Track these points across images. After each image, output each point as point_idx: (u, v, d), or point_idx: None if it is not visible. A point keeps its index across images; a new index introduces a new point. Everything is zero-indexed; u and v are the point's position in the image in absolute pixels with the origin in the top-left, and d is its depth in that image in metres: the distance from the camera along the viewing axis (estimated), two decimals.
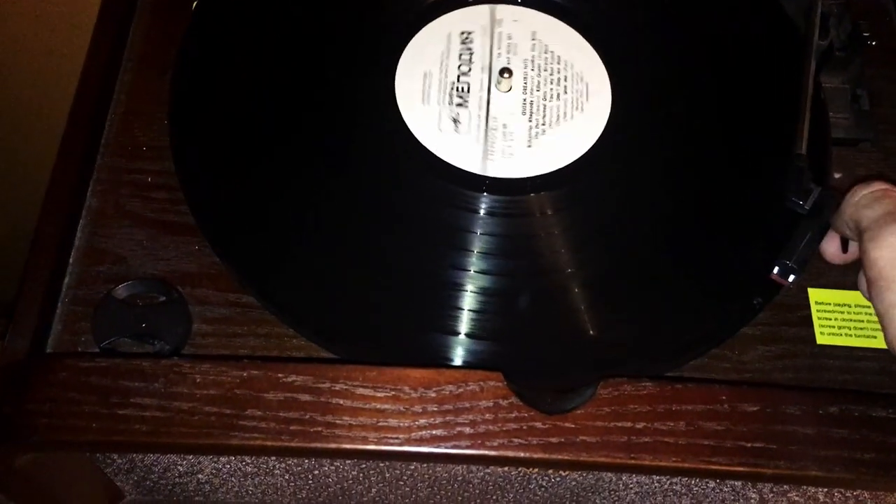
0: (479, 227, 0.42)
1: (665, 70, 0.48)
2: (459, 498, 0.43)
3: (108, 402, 0.34)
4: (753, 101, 0.47)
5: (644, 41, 0.49)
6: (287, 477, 0.42)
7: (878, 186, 0.38)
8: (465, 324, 0.39)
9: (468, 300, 0.40)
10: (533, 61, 0.47)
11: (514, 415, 0.34)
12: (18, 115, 0.78)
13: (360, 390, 0.34)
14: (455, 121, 0.41)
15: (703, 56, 0.48)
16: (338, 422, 0.33)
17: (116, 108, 0.46)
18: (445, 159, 0.43)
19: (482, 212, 0.42)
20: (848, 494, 0.40)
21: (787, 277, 0.40)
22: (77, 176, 0.43)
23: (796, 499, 0.40)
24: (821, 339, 0.42)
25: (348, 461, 0.39)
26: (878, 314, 0.36)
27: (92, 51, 0.46)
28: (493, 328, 0.39)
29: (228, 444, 0.33)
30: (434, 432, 0.33)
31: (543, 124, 0.45)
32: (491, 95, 0.45)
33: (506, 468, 0.39)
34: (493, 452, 0.33)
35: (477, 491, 0.42)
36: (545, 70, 0.46)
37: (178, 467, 0.41)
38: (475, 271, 0.40)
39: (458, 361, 0.39)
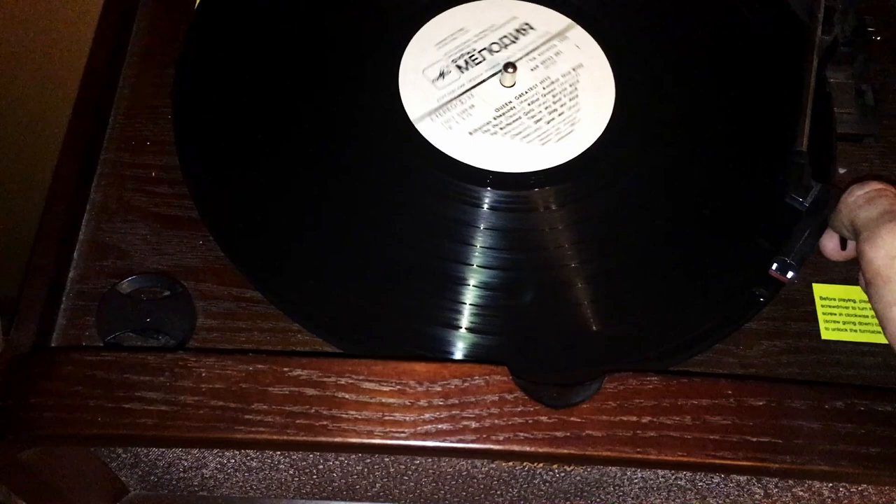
0: (482, 222, 0.42)
1: (668, 65, 0.48)
2: (464, 493, 0.43)
3: (114, 395, 0.33)
4: (757, 97, 0.47)
5: (647, 35, 0.49)
6: (292, 472, 0.42)
7: (874, 186, 0.38)
8: (469, 318, 0.39)
9: (473, 295, 0.40)
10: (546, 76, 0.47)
11: (519, 409, 0.34)
12: (23, 111, 0.78)
13: (366, 384, 0.34)
14: (442, 74, 0.41)
15: (707, 51, 0.48)
16: (343, 416, 0.33)
17: (120, 103, 0.46)
18: (452, 155, 0.43)
19: (486, 206, 0.42)
20: (853, 489, 0.40)
21: (786, 274, 0.40)
22: (81, 170, 0.43)
23: (801, 494, 0.40)
24: (825, 335, 0.42)
25: (353, 456, 0.39)
26: (876, 313, 0.36)
27: (96, 45, 0.46)
28: (497, 323, 0.39)
29: (234, 438, 0.33)
30: (440, 426, 0.33)
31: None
32: (488, 81, 0.45)
33: (510, 463, 0.39)
34: (498, 446, 0.33)
35: (481, 486, 0.42)
36: (551, 90, 0.46)
37: (183, 462, 0.41)
38: (479, 266, 0.40)
39: (463, 356, 0.39)
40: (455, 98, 0.44)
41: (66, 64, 0.73)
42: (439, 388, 0.34)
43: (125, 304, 0.40)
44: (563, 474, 0.40)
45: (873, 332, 0.42)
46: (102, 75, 0.46)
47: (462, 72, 0.44)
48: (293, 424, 0.33)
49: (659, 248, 0.42)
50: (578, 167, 0.44)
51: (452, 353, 0.39)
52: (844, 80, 0.47)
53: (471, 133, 0.43)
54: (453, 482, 0.42)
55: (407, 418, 0.33)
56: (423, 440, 0.33)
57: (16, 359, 0.36)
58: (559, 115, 0.43)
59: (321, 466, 0.41)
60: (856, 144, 0.47)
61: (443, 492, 0.43)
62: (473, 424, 0.33)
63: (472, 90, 0.45)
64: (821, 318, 0.42)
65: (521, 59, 0.46)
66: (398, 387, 0.34)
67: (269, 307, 0.40)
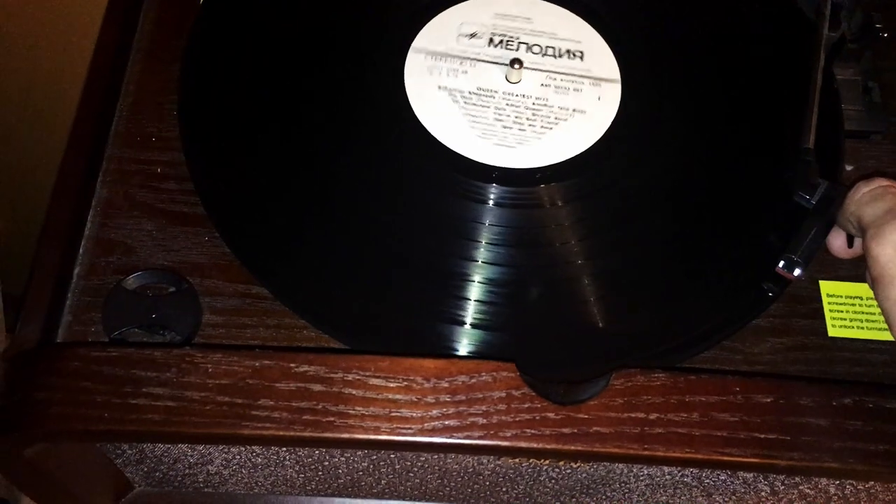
0: (488, 218, 0.42)
1: (675, 61, 0.47)
2: (469, 490, 0.43)
3: (120, 391, 0.33)
4: (764, 93, 0.47)
5: (654, 31, 0.48)
6: (297, 468, 0.41)
7: (880, 183, 0.38)
8: (477, 315, 0.39)
9: (480, 291, 0.40)
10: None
11: (526, 405, 0.34)
12: (28, 107, 0.78)
13: (373, 380, 0.34)
14: (474, 34, 0.41)
15: (714, 48, 0.48)
16: (350, 412, 0.33)
17: (125, 99, 0.46)
18: (458, 151, 0.43)
19: (492, 202, 0.42)
20: (860, 487, 0.40)
21: (793, 272, 0.39)
22: (87, 166, 0.43)
23: (807, 491, 0.40)
24: (832, 332, 0.41)
25: (359, 452, 0.39)
26: (882, 310, 0.36)
27: (101, 41, 0.46)
28: (504, 319, 0.39)
29: (240, 434, 0.33)
30: (447, 422, 0.33)
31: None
32: (496, 66, 0.46)
33: (517, 460, 0.39)
34: (506, 443, 0.33)
35: (487, 483, 0.42)
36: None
37: (188, 458, 0.40)
38: (486, 262, 0.40)
39: (470, 352, 0.38)
40: (461, 57, 0.43)
41: (72, 60, 0.73)
42: (446, 385, 0.34)
43: (131, 300, 0.40)
44: (569, 471, 0.40)
45: (880, 329, 0.41)
46: (108, 71, 0.46)
47: (489, 46, 0.44)
48: (300, 420, 0.33)
49: (665, 244, 0.42)
50: (584, 163, 0.44)
51: (459, 350, 0.39)
52: (851, 77, 0.47)
53: (439, 87, 0.44)
54: (459, 479, 0.42)
55: (414, 414, 0.33)
56: (430, 436, 0.33)
57: (22, 354, 0.36)
58: (520, 128, 0.43)
59: (326, 463, 0.41)
60: (863, 141, 0.47)
61: (448, 488, 0.43)
62: (481, 421, 0.33)
63: (478, 62, 0.44)
64: (828, 315, 0.42)
65: (542, 70, 0.46)
66: (405, 383, 0.34)
67: (275, 303, 0.40)
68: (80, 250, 0.42)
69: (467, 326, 0.39)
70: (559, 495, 0.43)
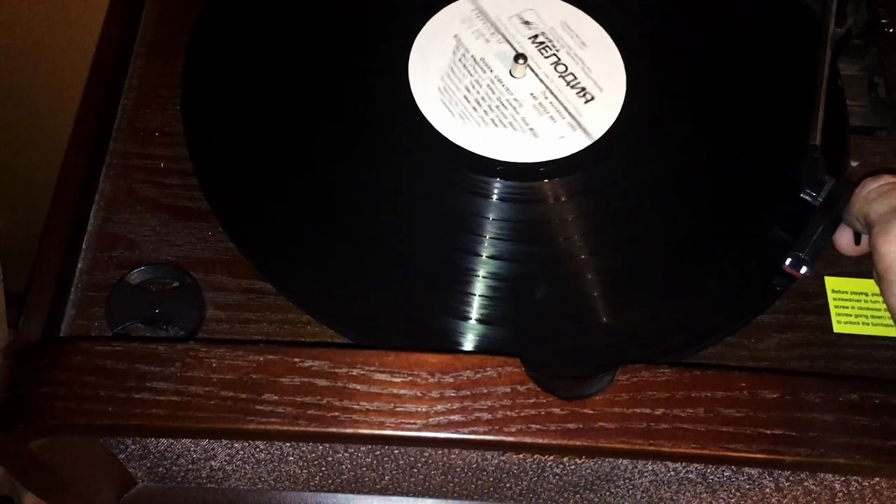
0: (493, 213, 0.41)
1: (680, 57, 0.47)
2: (473, 486, 0.43)
3: (124, 385, 0.33)
4: (770, 89, 0.47)
5: (658, 26, 0.48)
6: (301, 464, 0.41)
7: (887, 180, 0.38)
8: (481, 310, 0.39)
9: (484, 286, 0.40)
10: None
11: (531, 401, 0.34)
12: (30, 102, 0.78)
13: (377, 375, 0.34)
14: (528, 22, 0.41)
15: (719, 43, 0.48)
16: (355, 407, 0.33)
17: (128, 94, 0.46)
18: (463, 146, 0.43)
19: (496, 197, 0.42)
20: (865, 483, 0.40)
21: (800, 269, 0.39)
22: (90, 161, 0.43)
23: (812, 488, 0.40)
24: (837, 328, 0.41)
25: (362, 448, 0.39)
26: (888, 307, 0.36)
27: (104, 36, 0.46)
28: (508, 314, 0.39)
29: (244, 429, 0.33)
30: (451, 418, 0.33)
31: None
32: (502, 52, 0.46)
33: (521, 455, 0.39)
34: (510, 438, 0.33)
35: (491, 479, 0.42)
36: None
37: (192, 453, 0.40)
38: (490, 257, 0.40)
39: (474, 348, 0.38)
40: (497, 30, 0.43)
41: (75, 54, 0.72)
42: (451, 380, 0.34)
43: (134, 295, 0.40)
44: (573, 467, 0.40)
45: (886, 325, 0.41)
46: (111, 66, 0.45)
47: (529, 39, 0.44)
48: (304, 415, 0.33)
49: (671, 240, 0.42)
50: (588, 159, 0.43)
51: (464, 345, 0.38)
52: (857, 73, 0.47)
53: (455, 36, 0.44)
54: (463, 475, 0.42)
55: (418, 409, 0.33)
56: (435, 431, 0.33)
57: (25, 349, 0.36)
58: (483, 110, 0.43)
59: (330, 458, 0.41)
60: (868, 137, 0.47)
61: (452, 484, 0.43)
62: (485, 416, 0.33)
63: (504, 43, 0.44)
64: (833, 311, 0.42)
65: (543, 85, 0.46)
66: (410, 378, 0.34)
67: (279, 299, 0.40)
68: (84, 245, 0.42)
69: (472, 321, 0.39)
70: (563, 491, 0.43)
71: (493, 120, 0.43)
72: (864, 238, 0.41)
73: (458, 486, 0.43)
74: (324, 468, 0.42)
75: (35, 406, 0.34)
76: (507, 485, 0.43)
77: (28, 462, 0.37)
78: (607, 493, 0.43)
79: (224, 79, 0.45)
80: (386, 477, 0.43)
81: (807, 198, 0.41)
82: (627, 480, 0.41)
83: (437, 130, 0.43)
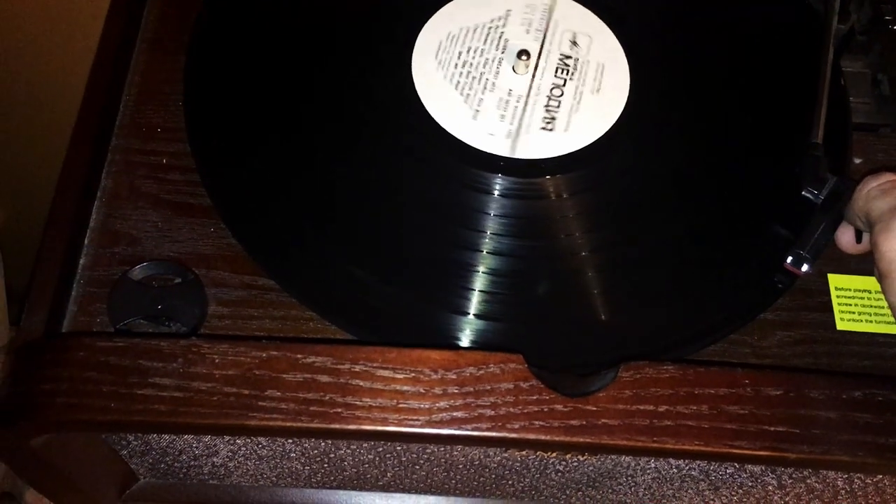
0: (497, 209, 0.41)
1: (683, 54, 0.47)
2: (475, 483, 0.43)
3: (127, 381, 0.33)
4: (772, 86, 0.46)
5: (661, 23, 0.48)
6: (303, 460, 0.41)
7: (888, 177, 0.38)
8: (484, 306, 0.39)
9: (487, 283, 0.39)
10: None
11: (535, 397, 0.34)
12: (32, 98, 0.77)
13: (380, 371, 0.34)
14: (575, 43, 0.40)
15: (722, 40, 0.48)
16: (357, 403, 0.33)
17: (131, 90, 0.46)
18: (468, 142, 0.43)
19: (500, 194, 0.42)
20: (868, 481, 0.40)
21: (801, 267, 0.39)
22: (91, 157, 0.43)
23: (815, 485, 0.40)
24: (841, 325, 0.41)
25: (364, 444, 0.39)
26: (890, 305, 0.36)
27: (106, 31, 0.46)
28: (512, 311, 0.39)
29: (247, 425, 0.33)
30: (455, 414, 0.33)
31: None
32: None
33: (523, 452, 0.39)
34: (514, 435, 0.33)
35: (493, 476, 0.42)
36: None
37: (194, 450, 0.40)
38: (494, 253, 0.40)
39: (477, 344, 0.38)
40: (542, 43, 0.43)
41: (75, 52, 0.72)
42: (454, 376, 0.34)
43: (136, 291, 0.40)
44: (575, 464, 0.40)
45: (889, 322, 0.41)
46: (113, 62, 0.45)
47: (559, 55, 0.43)
48: (307, 411, 0.33)
49: (674, 237, 0.42)
50: (591, 155, 0.43)
51: (467, 342, 0.38)
52: (860, 70, 0.47)
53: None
54: (465, 472, 0.42)
55: (421, 406, 0.33)
56: (438, 428, 0.33)
57: (27, 345, 0.36)
58: (472, 80, 0.42)
59: (332, 455, 0.41)
60: (871, 135, 0.47)
61: (454, 481, 0.43)
62: (488, 412, 0.33)
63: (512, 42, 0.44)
64: (836, 308, 0.42)
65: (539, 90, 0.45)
66: (413, 374, 0.34)
67: (282, 295, 0.40)
68: (86, 241, 0.41)
69: (475, 318, 0.39)
70: (565, 488, 0.43)
71: (458, 82, 0.43)
72: (866, 236, 0.41)
73: (461, 482, 0.43)
74: (326, 465, 0.42)
75: (37, 402, 0.34)
76: (510, 482, 0.43)
77: (30, 458, 0.37)
78: (610, 491, 0.43)
79: (226, 74, 0.45)
80: (388, 474, 0.43)
81: (808, 196, 0.41)
82: (630, 477, 0.41)
83: (440, 126, 0.43)
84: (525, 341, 0.38)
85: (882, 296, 0.42)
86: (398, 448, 0.39)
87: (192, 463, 0.42)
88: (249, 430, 0.33)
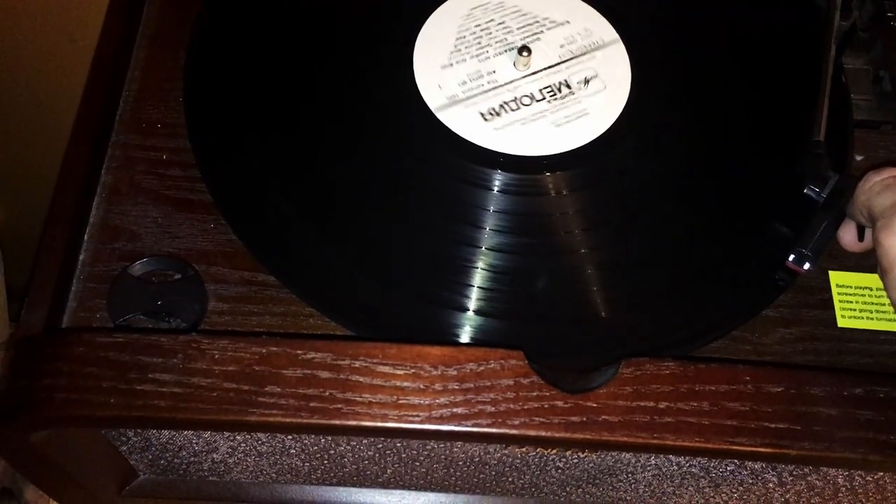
0: (496, 205, 0.41)
1: (684, 51, 0.47)
2: (475, 479, 0.43)
3: (126, 377, 0.33)
4: (774, 83, 0.46)
5: (663, 20, 0.48)
6: (303, 457, 0.41)
7: (890, 173, 0.38)
8: (484, 302, 0.39)
9: (488, 279, 0.39)
10: (514, 28, 0.46)
11: (535, 393, 0.33)
12: (33, 94, 0.77)
13: (380, 367, 0.34)
14: (587, 80, 0.40)
15: (723, 37, 0.48)
16: (357, 399, 0.33)
17: (131, 86, 0.46)
18: (468, 139, 0.43)
19: (501, 190, 0.42)
20: (868, 478, 0.39)
21: (803, 265, 0.39)
22: (92, 153, 0.43)
23: (816, 482, 0.40)
24: (842, 322, 0.41)
25: (364, 441, 0.39)
26: (892, 303, 0.36)
27: (106, 28, 0.46)
28: (512, 307, 0.39)
29: (247, 421, 0.33)
30: (455, 410, 0.33)
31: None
32: (528, 76, 0.45)
33: (524, 449, 0.39)
34: (514, 431, 0.33)
35: (493, 473, 0.42)
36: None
37: (194, 446, 0.40)
38: (494, 250, 0.40)
39: (478, 340, 0.38)
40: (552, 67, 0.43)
41: (76, 47, 0.72)
42: (454, 372, 0.34)
43: (136, 286, 0.40)
44: (576, 461, 0.40)
45: (890, 320, 0.41)
46: (113, 58, 0.45)
47: (564, 74, 0.44)
48: (307, 407, 0.33)
49: (675, 234, 0.42)
50: (593, 152, 0.43)
51: (467, 338, 0.38)
52: (862, 67, 0.47)
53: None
54: (465, 468, 0.42)
55: (422, 402, 0.33)
56: (438, 424, 0.33)
57: (27, 340, 0.36)
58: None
59: (332, 451, 0.41)
60: (873, 131, 0.46)
61: (454, 478, 0.43)
62: (489, 409, 0.33)
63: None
64: (837, 305, 0.42)
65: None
66: (413, 370, 0.34)
67: (282, 291, 0.40)
68: (85, 237, 0.41)
69: (476, 314, 0.39)
70: (565, 485, 0.43)
71: (468, 49, 0.44)
72: (868, 234, 0.41)
73: (461, 479, 0.43)
74: (326, 461, 0.42)
75: (37, 398, 0.34)
76: (510, 479, 0.43)
77: (30, 454, 0.37)
78: (610, 488, 0.43)
79: (226, 70, 0.45)
80: (388, 470, 0.43)
81: (810, 194, 0.41)
82: (630, 474, 0.41)
83: (441, 122, 0.43)
84: (526, 337, 0.38)
85: (883, 293, 0.42)
86: (398, 444, 0.39)
87: (192, 459, 0.42)
88: (249, 425, 0.33)
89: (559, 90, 0.44)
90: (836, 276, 0.42)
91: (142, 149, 0.44)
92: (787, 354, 0.40)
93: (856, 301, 0.42)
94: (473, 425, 0.33)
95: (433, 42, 0.46)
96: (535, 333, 0.39)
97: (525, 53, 0.45)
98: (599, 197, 0.42)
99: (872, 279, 0.42)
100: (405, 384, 0.33)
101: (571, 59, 0.45)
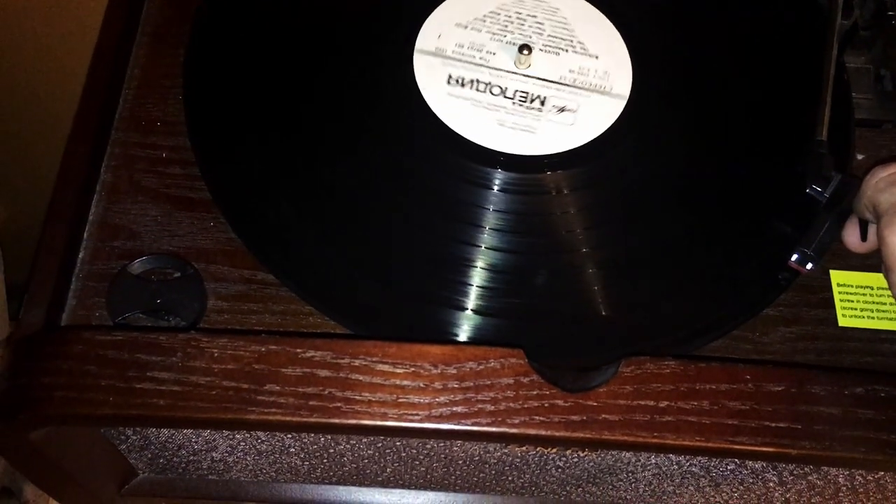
0: (496, 204, 0.41)
1: (685, 50, 0.47)
2: (475, 478, 0.43)
3: (125, 375, 0.33)
4: (776, 82, 0.46)
5: (664, 18, 0.48)
6: (302, 455, 0.41)
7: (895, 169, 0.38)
8: (484, 301, 0.39)
9: (487, 278, 0.39)
10: (494, 32, 0.46)
11: (535, 392, 0.33)
12: (32, 92, 0.77)
13: (380, 366, 0.34)
14: (562, 109, 0.40)
15: (725, 36, 0.48)
16: (357, 398, 0.33)
17: (130, 84, 0.46)
18: (468, 137, 0.43)
19: (502, 189, 0.42)
20: (869, 477, 0.39)
21: (806, 265, 0.39)
22: (91, 151, 0.42)
23: (816, 482, 0.40)
24: (843, 322, 0.41)
25: (364, 440, 0.39)
26: None
27: (106, 25, 0.46)
28: (512, 306, 0.39)
29: (246, 419, 0.33)
30: (455, 409, 0.33)
31: (572, 39, 0.44)
32: (532, 75, 0.45)
33: (524, 448, 0.39)
34: (514, 430, 0.33)
35: (493, 472, 0.42)
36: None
37: (193, 444, 0.40)
38: (494, 249, 0.40)
39: (477, 339, 0.38)
40: (528, 105, 0.43)
41: (76, 44, 0.72)
42: (454, 371, 0.34)
43: (135, 285, 0.40)
44: (576, 460, 0.40)
45: (891, 319, 0.41)
46: (112, 55, 0.45)
47: (505, 94, 0.43)
48: (306, 406, 0.33)
49: (676, 233, 0.42)
50: (593, 151, 0.43)
51: (467, 337, 0.38)
52: (863, 65, 0.47)
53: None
54: (465, 467, 0.41)
55: (421, 401, 0.33)
56: (438, 423, 0.33)
57: (26, 338, 0.36)
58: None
59: (332, 450, 0.40)
60: (875, 130, 0.46)
61: (454, 477, 0.43)
62: (489, 407, 0.33)
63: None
64: (838, 305, 0.42)
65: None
66: (412, 369, 0.34)
67: (281, 289, 0.40)
68: (85, 235, 0.41)
69: (476, 313, 0.39)
70: (565, 485, 0.43)
71: (492, 25, 0.44)
72: (870, 232, 0.41)
73: (461, 478, 0.43)
74: (325, 460, 0.42)
75: (36, 396, 0.33)
76: (510, 478, 0.43)
77: (29, 453, 0.37)
78: (610, 487, 0.43)
79: (226, 68, 0.45)
80: (388, 469, 0.42)
81: (813, 194, 0.41)
82: (630, 474, 0.41)
83: (441, 121, 0.43)
84: (526, 336, 0.38)
85: (884, 292, 0.42)
86: (398, 443, 0.39)
87: (191, 458, 0.42)
88: (248, 424, 0.33)
89: (531, 101, 0.44)
90: (836, 276, 0.42)
91: (141, 147, 0.44)
92: (788, 353, 0.40)
93: (857, 300, 0.42)
94: (473, 424, 0.33)
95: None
96: (535, 332, 0.39)
97: (525, 52, 0.44)
98: (601, 196, 0.42)
99: (873, 278, 0.42)
100: (405, 383, 0.33)
101: (569, 86, 0.44)
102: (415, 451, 0.40)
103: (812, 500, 0.42)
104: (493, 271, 0.40)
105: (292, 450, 0.41)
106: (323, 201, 0.41)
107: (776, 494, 0.42)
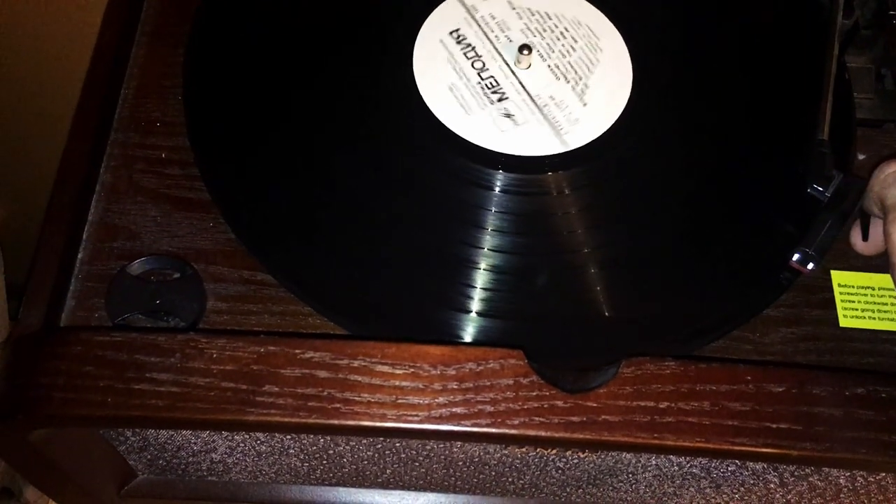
0: (495, 204, 0.41)
1: (686, 49, 0.47)
2: (475, 480, 0.43)
3: (124, 376, 0.33)
4: (777, 81, 0.46)
5: (664, 17, 0.48)
6: (302, 457, 0.41)
7: None
8: (484, 302, 0.39)
9: (487, 278, 0.39)
10: (529, 28, 0.46)
11: (535, 393, 0.33)
12: (31, 92, 0.77)
13: (379, 367, 0.33)
14: (508, 115, 0.40)
15: (726, 35, 0.48)
16: (356, 398, 0.33)
17: (130, 84, 0.46)
18: (468, 138, 0.43)
19: (504, 190, 0.41)
20: (870, 478, 0.39)
21: (807, 265, 0.39)
22: (90, 151, 0.42)
23: (817, 483, 0.40)
24: (844, 322, 0.41)
25: (364, 441, 0.39)
26: None
27: (105, 25, 0.46)
28: (512, 307, 0.39)
29: (245, 420, 0.33)
30: (454, 410, 0.33)
31: (581, 78, 0.44)
32: (518, 77, 0.45)
33: (523, 449, 0.39)
34: (513, 431, 0.33)
35: (493, 473, 0.42)
36: (548, 31, 0.45)
37: (192, 446, 0.40)
38: (494, 250, 0.40)
39: (477, 340, 0.38)
40: (540, 109, 0.43)
41: (74, 45, 0.72)
42: (454, 372, 0.34)
43: (135, 285, 0.40)
44: (576, 461, 0.40)
45: (892, 319, 0.41)
46: (112, 55, 0.45)
47: (507, 97, 0.43)
48: (305, 407, 0.33)
49: (677, 233, 0.42)
50: (594, 151, 0.43)
51: (467, 338, 0.38)
52: (864, 65, 0.47)
53: (584, 104, 0.42)
54: (465, 469, 0.41)
55: (421, 402, 0.33)
56: (437, 424, 0.33)
57: (25, 339, 0.36)
58: (566, 32, 0.41)
59: (331, 451, 0.40)
60: (876, 130, 0.46)
61: (454, 478, 0.43)
62: (488, 408, 0.33)
63: (532, 94, 0.44)
64: (839, 305, 0.41)
65: (496, 44, 0.45)
66: (412, 370, 0.34)
67: (280, 290, 0.40)
68: (84, 236, 0.41)
69: (475, 314, 0.38)
70: (565, 486, 0.43)
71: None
72: (872, 233, 0.41)
73: (460, 480, 0.43)
74: (325, 461, 0.42)
75: (35, 397, 0.33)
76: (510, 479, 0.42)
77: (28, 454, 0.37)
78: (610, 488, 0.43)
79: (225, 68, 0.45)
80: (387, 470, 0.42)
81: (814, 193, 0.40)
82: (631, 475, 0.41)
83: (440, 121, 0.43)
84: (525, 337, 0.38)
85: (885, 292, 0.41)
86: (397, 444, 0.39)
87: (191, 459, 0.42)
88: (247, 425, 0.33)
89: (492, 91, 0.44)
90: (837, 276, 0.42)
91: (141, 147, 0.44)
92: (789, 354, 0.40)
93: (858, 301, 0.42)
94: (473, 425, 0.33)
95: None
96: (535, 333, 0.39)
97: (525, 52, 0.44)
98: (601, 196, 0.42)
99: (875, 278, 0.42)
100: (404, 384, 0.33)
101: (536, 105, 0.44)
102: (414, 452, 0.40)
103: (813, 502, 0.42)
104: (493, 271, 0.39)
105: (291, 451, 0.40)
106: (323, 202, 0.41)
107: (777, 496, 0.42)
